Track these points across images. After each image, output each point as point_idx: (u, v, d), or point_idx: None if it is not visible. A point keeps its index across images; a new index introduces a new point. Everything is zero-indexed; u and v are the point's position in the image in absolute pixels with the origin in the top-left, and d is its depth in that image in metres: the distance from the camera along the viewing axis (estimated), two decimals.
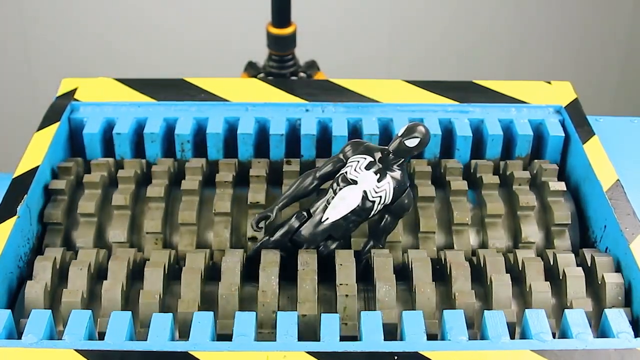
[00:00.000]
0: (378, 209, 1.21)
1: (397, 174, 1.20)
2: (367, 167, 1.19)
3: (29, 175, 1.31)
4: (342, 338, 1.07)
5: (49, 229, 1.32)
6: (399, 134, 1.17)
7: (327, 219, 1.20)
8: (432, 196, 1.33)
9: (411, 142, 1.17)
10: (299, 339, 1.07)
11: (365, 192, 1.19)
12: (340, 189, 1.20)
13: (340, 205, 1.20)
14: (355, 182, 1.19)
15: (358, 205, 1.19)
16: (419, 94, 1.53)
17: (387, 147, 1.20)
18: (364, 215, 1.21)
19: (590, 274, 1.20)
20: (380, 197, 1.20)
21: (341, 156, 1.23)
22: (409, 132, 1.17)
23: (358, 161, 1.20)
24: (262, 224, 1.22)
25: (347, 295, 1.14)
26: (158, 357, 1.01)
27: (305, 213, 1.22)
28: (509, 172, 1.39)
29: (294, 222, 1.22)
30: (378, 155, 1.20)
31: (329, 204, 1.20)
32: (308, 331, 1.12)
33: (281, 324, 1.07)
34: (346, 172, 1.20)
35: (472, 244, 1.33)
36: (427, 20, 3.39)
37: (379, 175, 1.19)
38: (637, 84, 3.61)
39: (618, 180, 1.31)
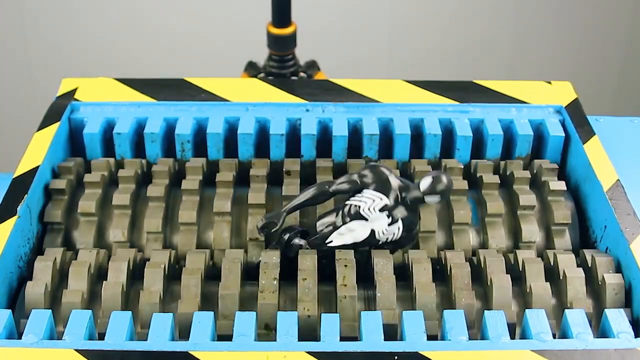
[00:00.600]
0: (382, 242, 1.22)
1: (408, 215, 1.20)
2: (381, 210, 1.19)
3: (29, 175, 1.31)
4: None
5: (49, 228, 1.32)
6: (422, 188, 1.17)
7: (331, 241, 1.21)
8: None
9: (432, 199, 1.17)
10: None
11: (373, 230, 1.19)
12: (351, 220, 1.20)
13: (347, 235, 1.20)
14: (366, 219, 1.19)
15: (365, 239, 1.20)
16: (419, 94, 1.53)
17: (406, 184, 1.19)
18: (369, 246, 1.21)
19: (591, 274, 1.20)
20: (388, 238, 1.20)
21: (358, 179, 1.22)
22: (432, 189, 1.16)
23: (373, 200, 1.19)
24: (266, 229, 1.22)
25: (346, 296, 1.14)
26: (158, 357, 1.01)
27: (298, 232, 1.24)
28: (509, 171, 1.39)
29: (285, 237, 1.24)
30: (393, 195, 1.19)
31: (336, 228, 1.20)
32: (307, 297, 1.13)
33: (281, 324, 1.07)
34: (359, 207, 1.19)
35: (473, 244, 1.33)
36: (427, 20, 3.39)
37: (390, 219, 1.19)
38: (637, 84, 3.61)
39: (618, 180, 1.31)
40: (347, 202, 1.21)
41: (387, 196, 1.19)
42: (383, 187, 1.20)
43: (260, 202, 1.32)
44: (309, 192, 1.23)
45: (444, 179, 1.16)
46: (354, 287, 1.13)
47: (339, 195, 1.23)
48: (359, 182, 1.22)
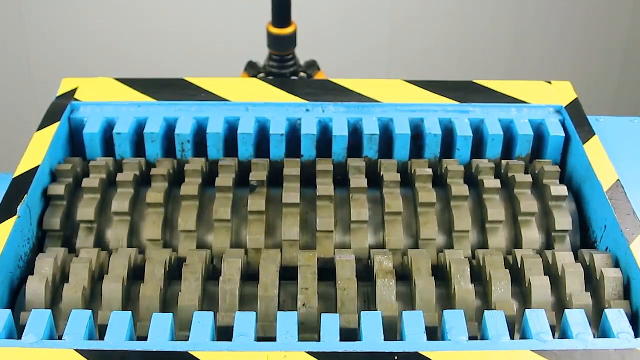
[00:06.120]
0: None
1: None
2: None
3: (29, 175, 1.31)
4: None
5: (49, 235, 1.32)
6: None
7: None
8: (432, 202, 1.33)
9: None
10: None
11: None
12: None
13: None
14: None
15: None
16: (419, 94, 1.53)
17: None
18: None
19: (589, 270, 1.20)
20: None
21: None
22: None
23: None
24: None
25: (347, 293, 1.14)
26: (158, 357, 1.01)
27: None
28: (510, 174, 1.38)
29: None
30: None
31: None
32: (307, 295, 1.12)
33: (281, 324, 1.07)
34: None
35: (473, 246, 1.33)
36: (427, 20, 3.39)
37: None
38: (637, 84, 3.61)
39: (618, 180, 1.31)
40: None
41: None
42: None
43: (260, 210, 1.32)
44: None
45: None
46: (353, 287, 1.13)
47: None
48: None
